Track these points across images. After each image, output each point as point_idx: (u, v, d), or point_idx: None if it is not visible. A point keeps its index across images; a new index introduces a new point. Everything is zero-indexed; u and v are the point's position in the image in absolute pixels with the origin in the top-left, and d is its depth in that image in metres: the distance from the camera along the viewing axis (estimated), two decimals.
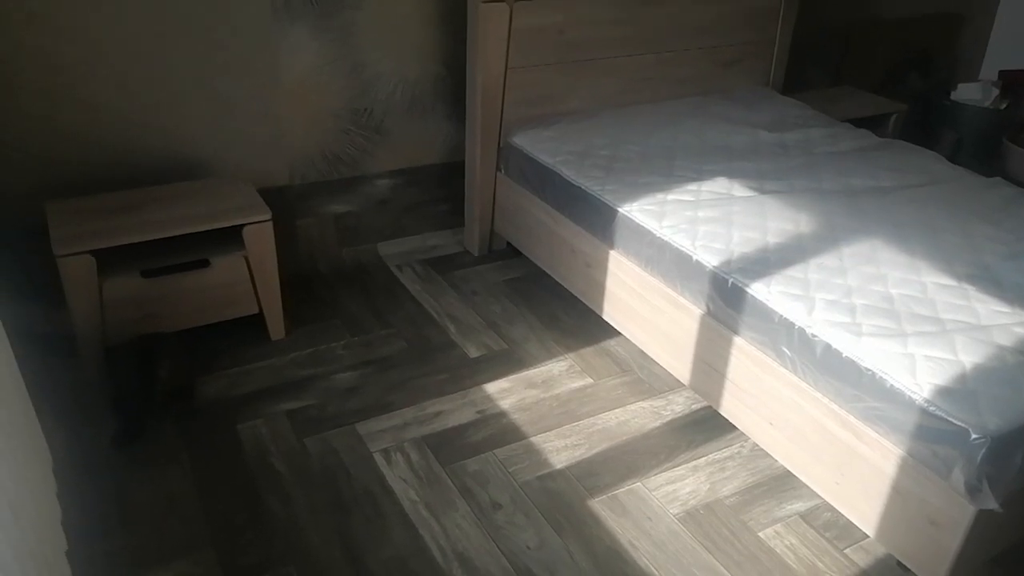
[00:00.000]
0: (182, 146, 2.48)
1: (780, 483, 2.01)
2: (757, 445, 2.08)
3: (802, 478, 1.88)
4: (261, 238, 2.31)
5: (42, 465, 1.74)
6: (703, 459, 2.09)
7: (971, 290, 1.89)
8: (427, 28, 2.74)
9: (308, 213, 2.81)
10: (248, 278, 2.35)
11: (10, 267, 2.25)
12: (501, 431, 2.15)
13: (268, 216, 2.30)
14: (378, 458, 2.04)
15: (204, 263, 2.28)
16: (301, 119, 2.66)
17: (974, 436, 1.48)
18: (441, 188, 3.03)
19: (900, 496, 1.63)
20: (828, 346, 1.74)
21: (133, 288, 2.20)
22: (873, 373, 1.65)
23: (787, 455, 1.90)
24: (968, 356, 1.66)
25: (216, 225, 2.24)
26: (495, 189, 2.87)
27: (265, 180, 2.64)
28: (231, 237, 2.31)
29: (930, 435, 1.55)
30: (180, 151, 2.49)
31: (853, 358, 1.69)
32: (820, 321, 1.78)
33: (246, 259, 2.32)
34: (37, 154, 2.28)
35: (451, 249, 3.05)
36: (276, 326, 2.47)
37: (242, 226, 2.27)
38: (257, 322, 2.45)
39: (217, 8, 2.36)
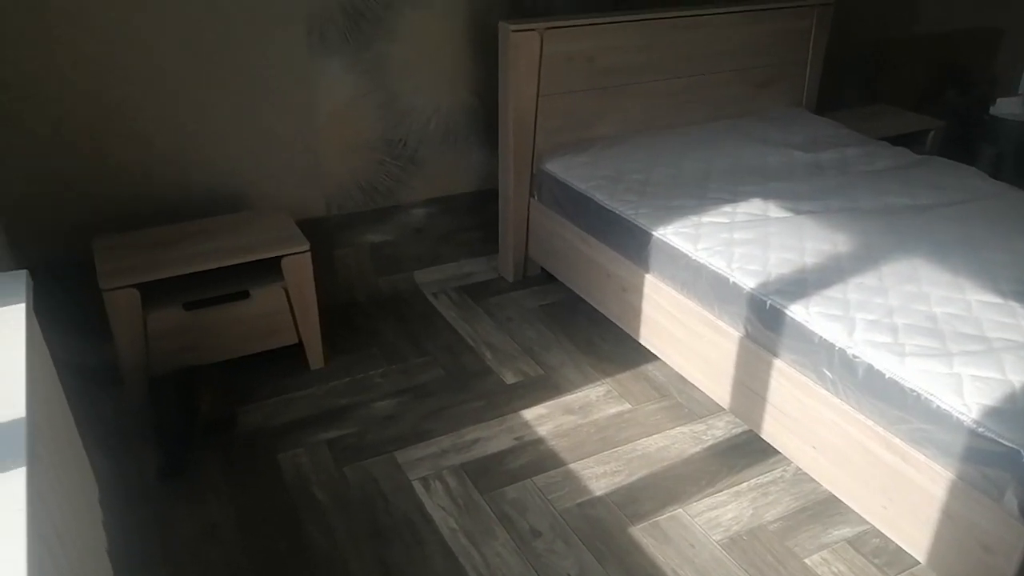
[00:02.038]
0: (223, 180, 2.54)
1: (825, 508, 1.97)
2: (800, 469, 2.05)
3: (848, 503, 1.84)
4: (300, 269, 2.34)
5: (88, 494, 1.77)
6: (745, 484, 2.05)
7: (1017, 307, 1.84)
8: (459, 59, 2.78)
9: (345, 243, 2.85)
10: (287, 308, 2.38)
11: (58, 300, 2.31)
12: (539, 458, 2.14)
13: (306, 247, 2.33)
14: (417, 486, 2.04)
15: (244, 295, 2.32)
16: (338, 151, 2.71)
17: None
18: (475, 215, 3.06)
19: (951, 520, 1.59)
20: (870, 367, 1.71)
21: (176, 320, 2.25)
22: (918, 394, 1.62)
23: (832, 479, 1.86)
24: (1017, 375, 1.62)
25: (255, 257, 2.28)
26: (528, 215, 2.88)
27: (303, 211, 2.69)
28: (270, 268, 2.35)
29: (980, 457, 1.51)
30: (221, 185, 2.54)
31: (897, 379, 1.66)
32: (861, 342, 1.75)
33: (285, 290, 2.36)
34: (86, 190, 2.35)
35: (486, 276, 3.07)
36: (315, 356, 2.50)
37: (281, 257, 2.31)
38: (296, 352, 2.49)
39: (256, 45, 2.43)
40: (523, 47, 2.59)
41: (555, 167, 2.71)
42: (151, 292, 2.22)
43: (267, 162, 2.59)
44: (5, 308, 1.38)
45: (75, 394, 1.93)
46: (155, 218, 2.46)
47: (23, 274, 1.50)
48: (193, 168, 2.48)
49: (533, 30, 2.59)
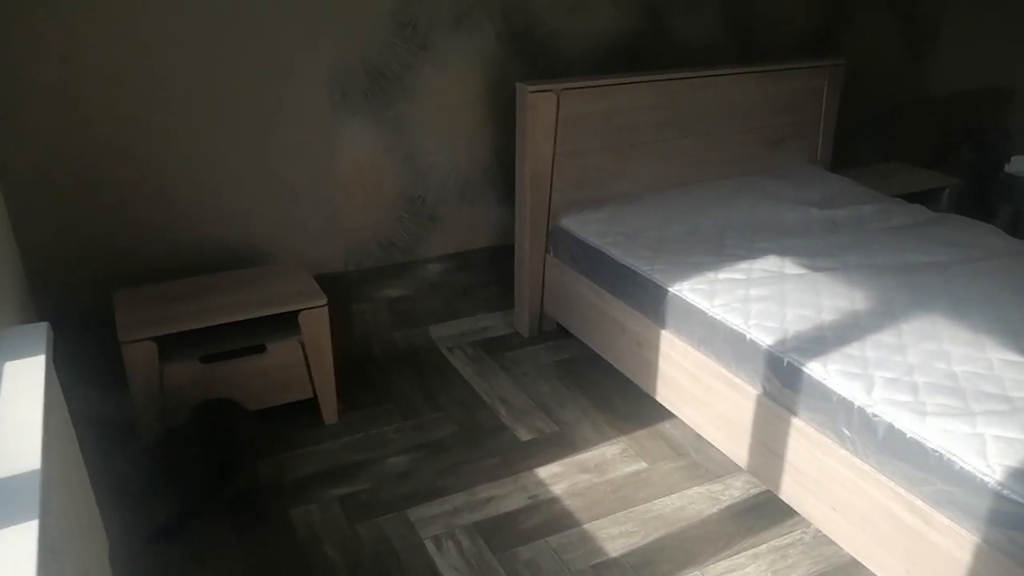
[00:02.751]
0: (243, 234, 2.58)
1: (846, 572, 1.92)
2: (820, 531, 2.00)
3: (869, 567, 1.79)
4: (317, 323, 2.36)
5: (99, 550, 1.76)
6: (764, 546, 2.01)
7: None
8: (477, 117, 2.84)
9: (362, 298, 2.87)
10: (303, 363, 2.39)
11: (77, 352, 2.33)
12: (554, 517, 2.11)
13: (324, 302, 2.35)
14: (429, 545, 2.01)
15: (261, 348, 2.33)
16: (357, 207, 2.75)
17: None
18: (492, 271, 3.08)
19: None
20: (891, 426, 1.68)
21: (192, 373, 2.26)
22: (940, 454, 1.59)
23: (853, 542, 1.82)
24: None
25: (273, 311, 2.30)
26: (544, 271, 2.90)
27: (321, 266, 2.72)
28: (288, 322, 2.36)
29: (1006, 520, 1.47)
30: (241, 239, 2.58)
31: (918, 439, 1.63)
32: (881, 400, 1.73)
33: (302, 344, 2.37)
34: (108, 244, 2.39)
35: (502, 331, 3.07)
36: (330, 410, 2.49)
37: (298, 311, 2.33)
38: (311, 406, 2.48)
39: (280, 102, 2.49)
40: (540, 107, 2.64)
41: (571, 223, 2.73)
42: (169, 345, 2.24)
43: (287, 217, 2.63)
44: (25, 360, 1.39)
45: (90, 446, 1.93)
46: (175, 271, 2.50)
47: (44, 326, 1.52)
48: (214, 223, 2.53)
49: (550, 91, 2.64)
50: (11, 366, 1.37)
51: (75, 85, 2.22)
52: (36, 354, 1.41)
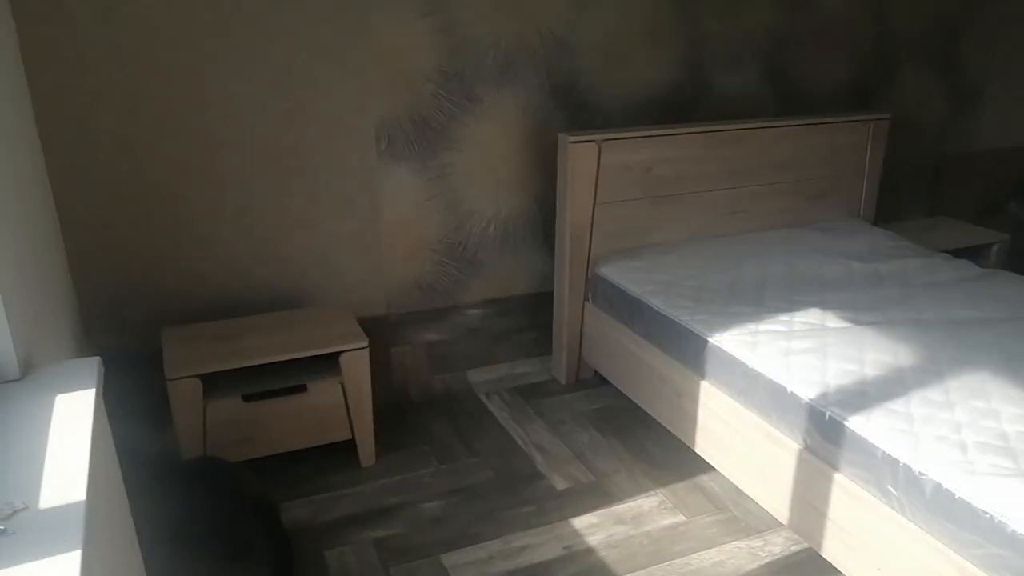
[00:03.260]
0: (288, 278, 2.64)
1: None
2: None
3: None
4: (357, 365, 2.38)
5: None
6: None
7: None
8: (519, 166, 2.88)
9: (402, 341, 2.90)
10: (343, 404, 2.41)
11: (124, 387, 2.38)
12: (589, 569, 2.08)
13: (365, 344, 2.38)
14: None
15: (302, 388, 2.36)
16: (400, 252, 2.79)
17: None
18: (530, 317, 3.09)
19: None
20: (939, 486, 1.63)
21: (234, 411, 2.29)
22: (991, 516, 1.53)
23: None
24: None
25: (314, 352, 2.33)
26: (583, 318, 2.90)
27: (363, 309, 2.76)
28: (329, 364, 2.39)
29: None
30: (286, 282, 2.64)
31: (967, 499, 1.58)
32: (928, 458, 1.68)
33: (342, 385, 2.39)
34: (158, 284, 2.46)
35: (539, 377, 3.06)
36: (367, 452, 2.50)
37: (339, 353, 2.36)
38: (349, 448, 2.50)
39: (327, 151, 2.56)
40: (581, 157, 2.68)
41: (610, 272, 2.74)
42: (213, 383, 2.28)
43: (332, 261, 2.68)
44: (76, 393, 1.43)
45: (134, 480, 1.96)
46: (222, 312, 2.55)
47: (95, 361, 1.56)
48: (260, 266, 2.59)
49: (592, 141, 2.67)
50: (62, 398, 1.41)
51: (133, 134, 2.31)
52: (87, 388, 1.45)
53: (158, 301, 2.48)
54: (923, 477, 1.66)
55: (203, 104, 2.36)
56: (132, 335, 2.44)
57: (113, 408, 1.79)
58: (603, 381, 2.94)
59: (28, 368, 1.47)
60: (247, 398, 2.31)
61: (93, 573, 1.14)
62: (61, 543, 1.05)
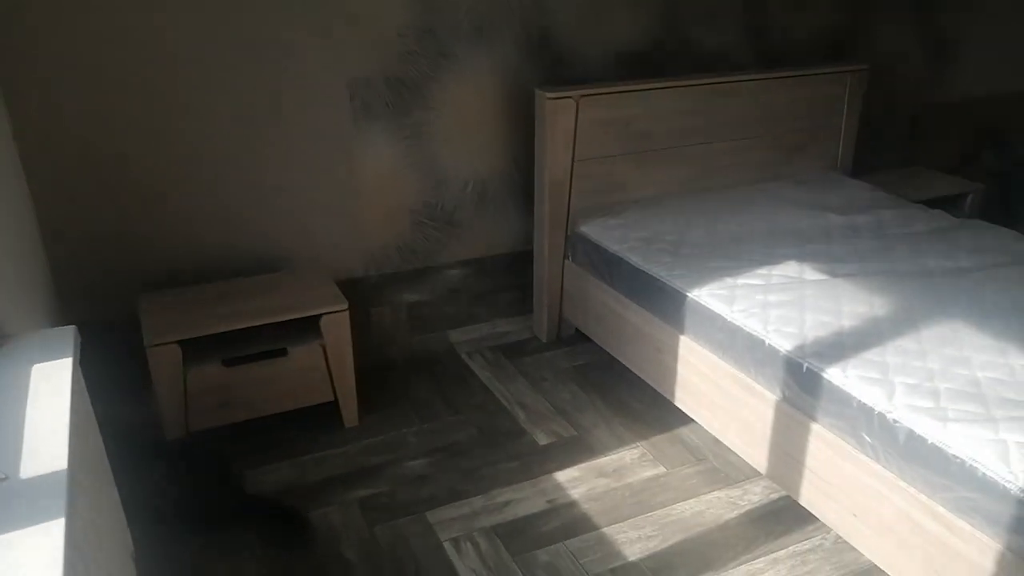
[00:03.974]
0: (266, 242, 2.61)
1: None
2: (841, 537, 1.99)
3: (891, 573, 1.78)
4: (337, 327, 2.38)
5: (123, 551, 1.78)
6: (783, 551, 2.00)
7: None
8: (496, 125, 2.85)
9: (382, 303, 2.89)
10: (324, 366, 2.41)
11: (102, 355, 2.37)
12: (572, 521, 2.11)
13: (345, 306, 2.37)
14: (448, 547, 2.03)
15: (283, 352, 2.36)
16: (377, 214, 2.77)
17: None
18: (510, 276, 3.09)
19: None
20: (911, 432, 1.67)
21: (215, 376, 2.29)
22: (962, 461, 1.57)
23: (874, 548, 1.81)
24: None
25: (294, 315, 2.33)
26: (563, 276, 2.91)
27: (342, 272, 2.74)
28: (309, 327, 2.39)
29: None
30: (264, 246, 2.61)
31: (939, 445, 1.62)
32: (901, 406, 1.72)
33: (323, 348, 2.39)
34: (133, 250, 2.43)
35: (520, 336, 3.08)
36: (350, 413, 2.51)
37: (319, 316, 2.35)
38: (331, 410, 2.50)
39: (301, 113, 2.52)
40: (559, 114, 2.65)
41: (590, 229, 2.74)
42: (193, 348, 2.27)
43: (310, 224, 2.66)
44: (53, 363, 1.42)
45: (115, 448, 1.96)
46: (200, 277, 2.53)
47: (71, 330, 1.54)
48: (237, 230, 2.56)
49: (569, 97, 2.65)
50: (39, 368, 1.40)
51: (101, 100, 2.26)
52: (63, 357, 1.44)
53: (135, 268, 2.45)
54: (897, 425, 1.70)
55: (173, 69, 2.31)
56: (109, 303, 2.42)
57: (92, 377, 1.78)
58: (584, 338, 2.95)
59: (2, 339, 1.46)
60: (228, 363, 2.30)
61: (77, 541, 1.15)
62: (44, 512, 1.05)
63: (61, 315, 2.31)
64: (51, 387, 1.35)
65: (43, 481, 1.12)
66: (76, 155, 2.27)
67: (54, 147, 2.24)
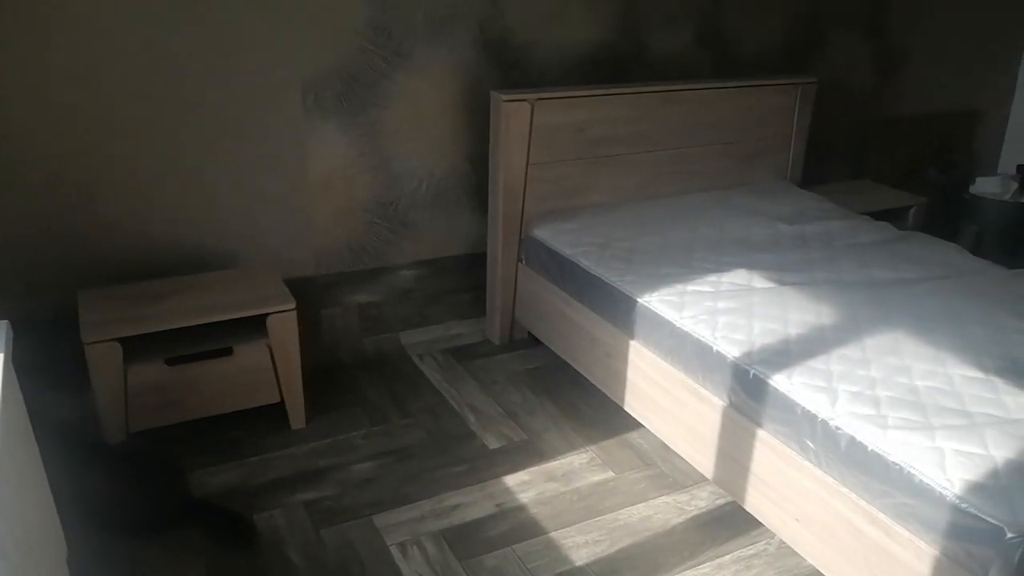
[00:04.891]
0: (213, 238, 2.56)
1: None
2: (784, 542, 2.02)
3: None
4: (285, 327, 2.34)
5: (57, 554, 1.72)
6: (728, 556, 2.02)
7: (1000, 383, 1.85)
8: (451, 125, 2.84)
9: (332, 303, 2.85)
10: (271, 367, 2.37)
11: (38, 352, 2.29)
12: (520, 525, 2.11)
13: (292, 306, 2.33)
14: (394, 551, 2.00)
15: (228, 351, 2.31)
16: (329, 212, 2.73)
17: (1009, 535, 1.42)
18: (464, 278, 3.07)
19: None
20: (852, 439, 1.70)
21: (157, 375, 2.23)
22: (901, 467, 1.61)
23: (815, 553, 1.83)
24: (1000, 451, 1.61)
25: (240, 314, 2.28)
26: (516, 280, 2.90)
27: (291, 270, 2.70)
28: (255, 326, 2.34)
29: (963, 534, 1.50)
30: (211, 242, 2.56)
31: (879, 452, 1.65)
32: (844, 413, 1.75)
33: (269, 348, 2.35)
34: (74, 243, 2.35)
35: (473, 339, 3.06)
36: (297, 415, 2.47)
37: (266, 315, 2.31)
38: (278, 411, 2.46)
39: (252, 107, 2.47)
40: (514, 116, 2.65)
41: (543, 233, 2.74)
42: (134, 346, 2.21)
43: (258, 221, 2.61)
44: None
45: (51, 449, 1.89)
46: (144, 273, 2.47)
47: (3, 325, 1.49)
48: (184, 225, 2.50)
49: (524, 100, 2.65)
50: None
51: (42, 84, 2.19)
52: None
53: (74, 263, 2.37)
54: (839, 432, 1.73)
55: (121, 53, 2.25)
56: (45, 298, 2.34)
57: (27, 375, 1.72)
58: (536, 342, 2.95)
59: None
60: (170, 362, 2.24)
61: (3, 545, 1.10)
62: None
63: None
64: None
65: None
66: (12, 144, 2.20)
67: None
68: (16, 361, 1.62)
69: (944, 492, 1.53)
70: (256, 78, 2.45)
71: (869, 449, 1.67)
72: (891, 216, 3.35)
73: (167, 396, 2.26)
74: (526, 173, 2.75)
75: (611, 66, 3.06)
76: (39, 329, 2.29)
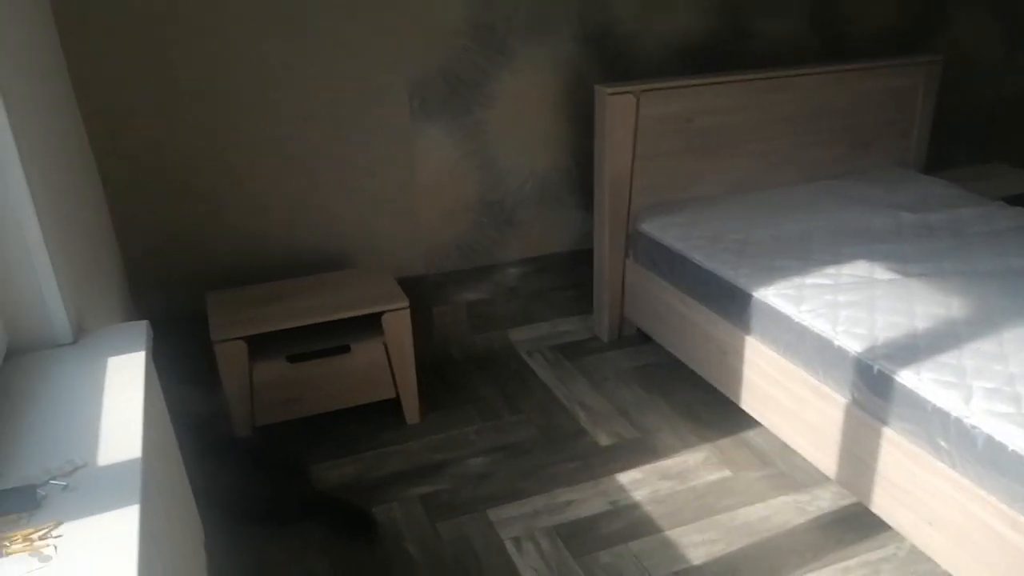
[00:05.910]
0: (328, 240, 2.65)
1: None
2: (916, 547, 1.92)
3: None
4: (399, 325, 2.40)
5: (195, 538, 1.83)
6: (854, 560, 1.94)
7: None
8: (555, 122, 2.84)
9: (442, 301, 2.91)
10: (386, 363, 2.44)
11: (171, 351, 2.44)
12: (635, 523, 2.09)
13: (406, 304, 2.39)
14: (509, 546, 2.02)
15: (346, 349, 2.39)
16: (436, 212, 2.79)
17: None
18: (570, 275, 3.07)
19: None
20: (990, 438, 1.60)
21: (280, 372, 2.33)
22: None
23: (950, 559, 1.73)
24: None
25: (357, 313, 2.35)
26: (624, 275, 2.87)
27: (403, 270, 2.77)
28: (371, 324, 2.41)
29: None
30: (327, 244, 2.65)
31: (1021, 452, 1.54)
32: (980, 411, 1.65)
33: (385, 345, 2.42)
34: (201, 248, 2.49)
35: (581, 335, 3.05)
36: (412, 411, 2.53)
37: (381, 313, 2.37)
38: (393, 407, 2.53)
39: (361, 113, 2.55)
40: (619, 109, 2.63)
41: (651, 227, 2.70)
42: (258, 345, 2.32)
43: (369, 223, 2.69)
44: (127, 356, 1.46)
45: (185, 440, 2.01)
46: (265, 275, 2.59)
47: (144, 324, 1.59)
48: (301, 228, 2.61)
49: (629, 92, 2.62)
50: (114, 361, 1.44)
51: (171, 101, 2.33)
52: (137, 350, 1.48)
53: (202, 266, 2.51)
54: (975, 430, 1.63)
55: (235, 68, 2.37)
56: (177, 299, 2.49)
57: (162, 371, 1.83)
58: (646, 338, 2.92)
59: (80, 332, 1.51)
60: (292, 359, 2.34)
61: (151, 527, 1.18)
62: (120, 498, 1.08)
63: (134, 311, 2.39)
64: (125, 379, 1.39)
65: (119, 468, 1.15)
66: (146, 156, 2.35)
67: (125, 149, 2.31)
68: (155, 358, 1.73)
69: None
70: (363, 84, 2.53)
71: (1009, 449, 1.56)
72: None
73: (289, 392, 2.36)
74: (632, 167, 2.73)
75: (718, 54, 2.99)
76: (174, 328, 2.44)
